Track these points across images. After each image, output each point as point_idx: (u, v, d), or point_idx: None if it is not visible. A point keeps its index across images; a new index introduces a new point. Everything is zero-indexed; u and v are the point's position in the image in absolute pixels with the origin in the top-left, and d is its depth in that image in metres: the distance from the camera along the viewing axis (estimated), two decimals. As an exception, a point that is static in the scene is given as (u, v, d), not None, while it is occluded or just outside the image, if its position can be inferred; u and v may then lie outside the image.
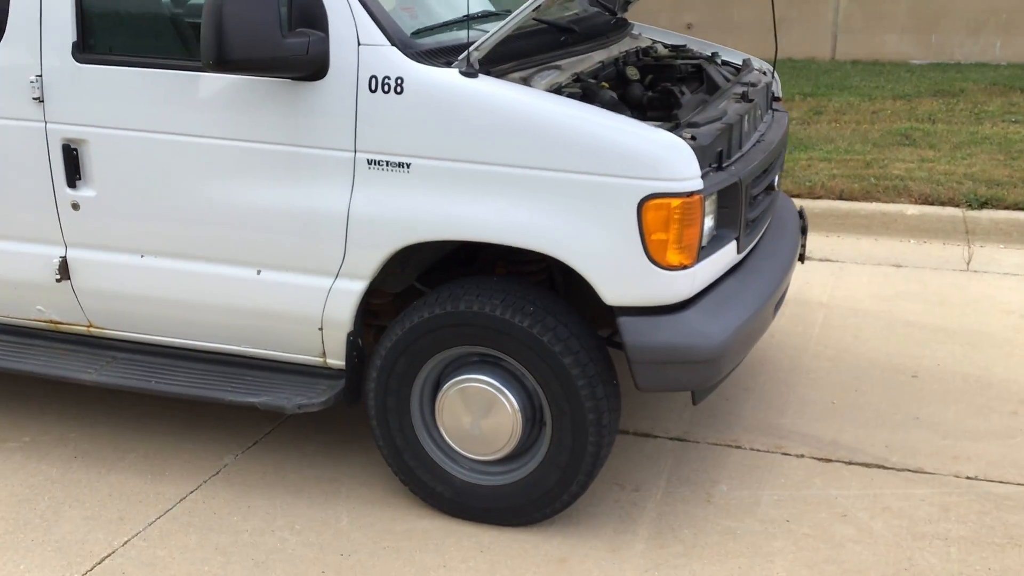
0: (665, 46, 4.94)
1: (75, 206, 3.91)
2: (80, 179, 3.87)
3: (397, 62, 3.43)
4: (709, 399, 4.44)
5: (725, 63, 4.80)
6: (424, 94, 3.41)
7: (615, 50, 4.41)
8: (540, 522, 3.73)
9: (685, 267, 3.37)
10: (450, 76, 3.41)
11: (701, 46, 5.02)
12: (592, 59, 4.14)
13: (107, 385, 4.04)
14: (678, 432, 4.40)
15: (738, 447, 4.28)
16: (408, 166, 3.47)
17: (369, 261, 3.58)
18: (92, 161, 3.84)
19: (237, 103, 3.60)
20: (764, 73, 4.78)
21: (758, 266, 3.94)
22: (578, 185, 3.32)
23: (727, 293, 3.64)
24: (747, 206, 3.72)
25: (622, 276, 3.38)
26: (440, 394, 3.67)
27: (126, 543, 3.70)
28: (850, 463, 4.14)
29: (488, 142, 3.37)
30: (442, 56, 3.48)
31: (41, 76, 3.82)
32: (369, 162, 3.50)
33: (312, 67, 3.44)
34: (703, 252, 3.46)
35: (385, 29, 3.44)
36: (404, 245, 3.54)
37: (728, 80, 4.32)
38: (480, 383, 3.59)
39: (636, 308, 3.42)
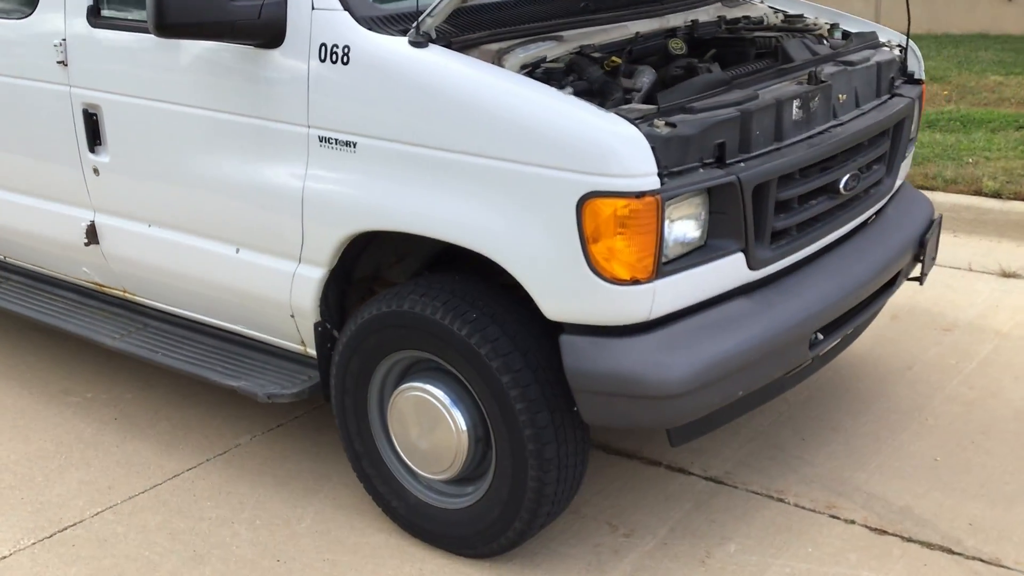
0: (786, 16, 4.19)
1: (96, 171, 3.89)
2: (100, 144, 3.84)
3: (345, 29, 3.09)
4: (781, 435, 3.77)
5: (847, 35, 3.99)
6: (368, 65, 3.05)
7: (679, 18, 3.77)
8: (493, 556, 3.27)
9: (637, 282, 2.78)
10: (396, 46, 3.01)
11: (833, 16, 4.21)
12: (627, 29, 3.54)
13: (123, 351, 4.03)
14: (719, 471, 3.74)
15: (781, 500, 3.56)
16: (354, 145, 3.12)
17: (324, 247, 3.28)
18: (106, 127, 3.79)
19: (208, 71, 3.40)
20: (891, 49, 3.92)
21: (799, 286, 3.22)
22: (516, 176, 2.83)
23: (719, 318, 2.99)
24: (768, 211, 3.03)
25: (562, 287, 2.85)
26: (390, 400, 3.31)
27: (97, 514, 3.66)
28: (909, 540, 3.32)
29: (426, 122, 2.96)
30: (402, 23, 3.09)
31: (65, 40, 3.82)
32: (320, 139, 3.19)
33: (267, 33, 3.17)
34: (671, 266, 2.84)
35: (340, -10, 3.09)
36: (354, 233, 3.20)
37: (815, 56, 3.56)
38: (424, 394, 3.18)
39: (582, 326, 2.88)
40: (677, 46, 3.52)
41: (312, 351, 3.54)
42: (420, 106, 2.95)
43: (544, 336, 2.98)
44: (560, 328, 2.92)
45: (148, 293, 4.07)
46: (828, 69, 3.44)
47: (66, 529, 3.58)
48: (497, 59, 3.07)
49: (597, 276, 2.77)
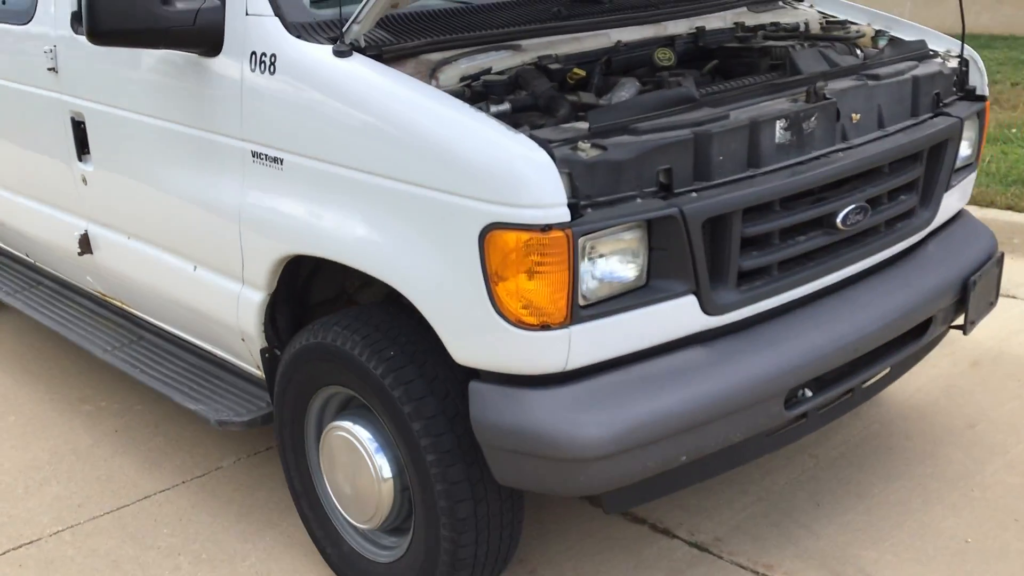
0: (827, 22, 3.71)
1: (84, 180, 3.81)
2: (87, 153, 3.75)
3: (274, 36, 2.86)
4: (796, 498, 3.35)
5: (894, 40, 3.47)
6: (291, 76, 2.81)
7: (683, 25, 3.35)
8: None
9: (548, 327, 2.43)
10: (320, 55, 2.76)
11: (887, 22, 3.70)
12: (608, 38, 3.16)
13: (110, 364, 3.94)
14: (707, 537, 3.31)
15: (765, 576, 3.11)
16: (281, 162, 2.89)
17: (260, 269, 3.06)
18: (90, 136, 3.70)
19: (162, 80, 3.24)
20: (944, 60, 3.39)
21: (778, 335, 2.79)
22: (422, 202, 2.53)
23: (662, 370, 2.60)
24: (730, 248, 2.62)
25: (468, 329, 2.53)
26: (322, 438, 3.05)
27: (56, 533, 3.57)
28: (901, 638, 2.82)
29: (340, 139, 2.71)
30: (335, 31, 2.83)
31: (55, 47, 3.75)
32: (252, 154, 2.97)
33: (204, 40, 2.97)
34: (595, 309, 2.47)
35: (273, -6, 2.87)
36: (286, 255, 2.97)
37: (832, 67, 3.08)
38: (348, 434, 2.92)
39: (494, 374, 2.55)
40: (665, 56, 3.12)
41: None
42: (335, 121, 2.69)
43: (466, 382, 2.65)
44: (477, 374, 2.60)
45: (136, 306, 3.97)
46: (840, 84, 2.97)
47: (20, 547, 3.50)
48: (433, 71, 2.77)
49: (503, 318, 2.44)
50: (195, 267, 3.37)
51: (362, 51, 2.74)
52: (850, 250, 2.97)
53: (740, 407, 2.64)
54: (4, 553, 3.47)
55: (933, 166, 3.20)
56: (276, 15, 2.86)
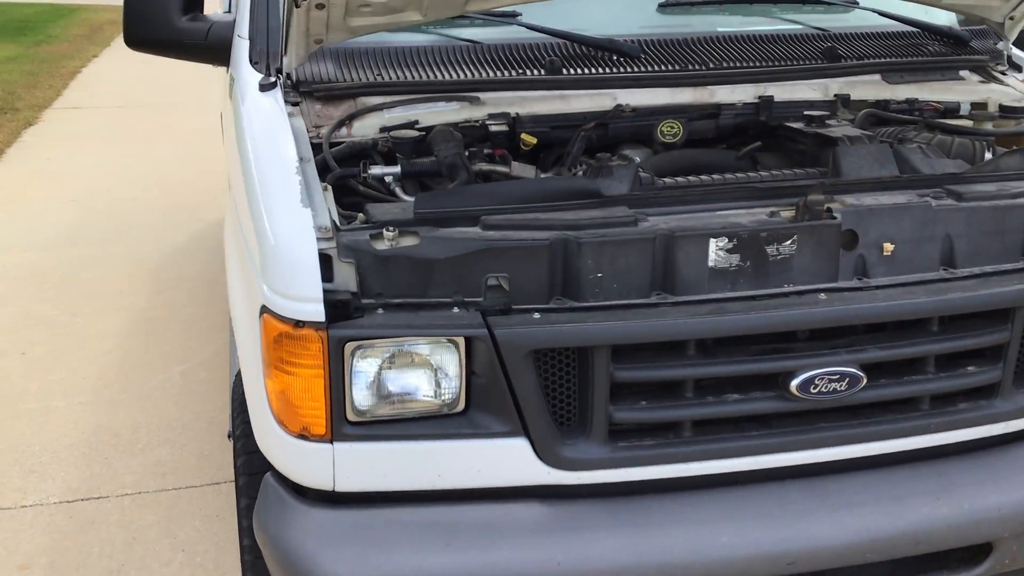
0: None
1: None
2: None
3: (241, 59, 2.76)
4: None
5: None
6: (236, 99, 2.68)
7: (745, 93, 2.64)
8: None
9: (306, 438, 2.07)
10: (252, 83, 2.59)
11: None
12: (612, 99, 2.57)
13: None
14: None
15: None
16: (230, 186, 2.76)
17: None
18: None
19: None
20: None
21: (666, 517, 2.13)
22: (246, 258, 2.28)
23: (460, 522, 2.10)
24: (594, 391, 2.04)
25: (258, 413, 2.23)
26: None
27: (125, 495, 3.72)
28: None
29: (233, 167, 2.52)
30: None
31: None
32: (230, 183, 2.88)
33: (217, 55, 2.94)
34: (373, 430, 2.06)
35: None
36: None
37: (910, 171, 2.27)
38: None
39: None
40: (670, 131, 2.48)
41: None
42: (233, 150, 2.51)
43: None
44: None
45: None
46: (879, 199, 2.17)
47: (89, 500, 3.71)
48: (351, 117, 2.47)
49: (271, 413, 2.11)
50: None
51: (296, 85, 2.51)
52: (835, 425, 2.17)
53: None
54: (72, 502, 3.72)
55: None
56: (248, 39, 2.72)
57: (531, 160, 2.56)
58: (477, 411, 2.06)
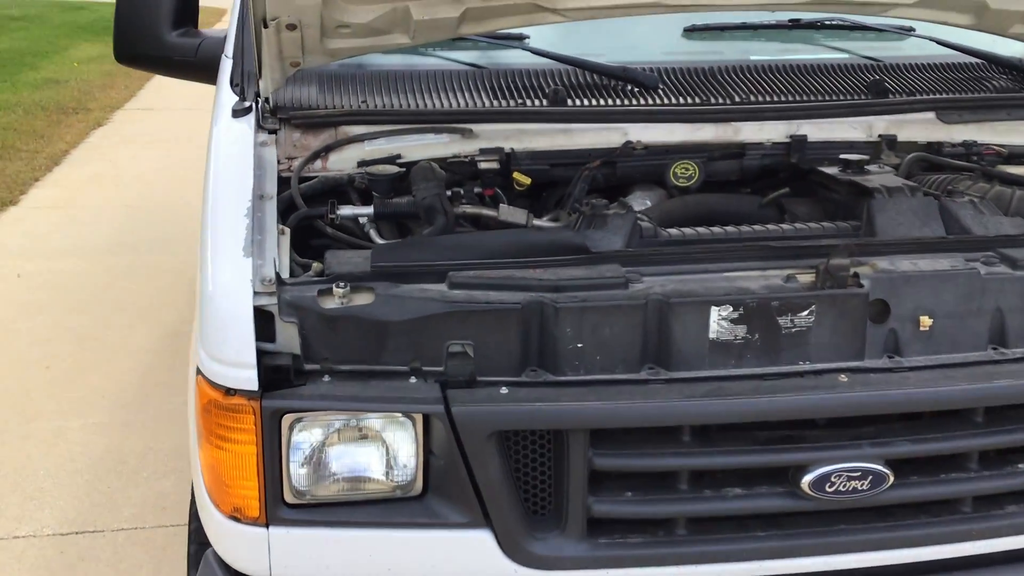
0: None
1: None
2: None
3: (224, 80, 2.51)
4: None
5: None
6: (213, 121, 2.45)
7: (776, 131, 2.32)
8: None
9: (238, 520, 1.82)
10: (227, 106, 2.37)
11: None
12: (623, 134, 2.28)
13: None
14: None
15: None
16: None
17: None
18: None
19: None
20: None
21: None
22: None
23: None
24: (573, 479, 1.77)
25: (196, 488, 2.00)
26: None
27: (120, 530, 3.58)
28: None
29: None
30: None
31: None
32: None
33: (206, 73, 2.73)
34: (316, 513, 1.81)
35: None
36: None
37: (958, 232, 1.95)
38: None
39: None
40: (684, 172, 2.18)
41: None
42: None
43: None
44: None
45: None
46: (917, 265, 1.85)
47: (83, 533, 3.56)
48: (328, 150, 2.22)
49: (204, 491, 1.88)
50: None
51: (274, 111, 2.28)
52: (857, 527, 1.85)
53: None
54: (66, 535, 3.56)
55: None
56: (232, 58, 2.50)
57: (530, 202, 2.29)
58: (436, 496, 1.80)
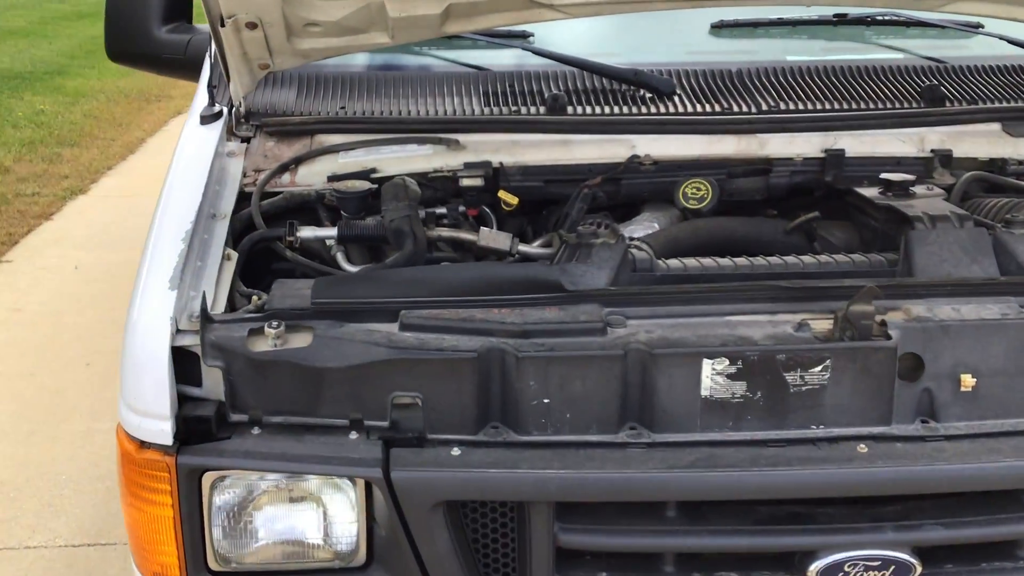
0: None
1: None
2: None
3: (203, 83, 2.31)
4: None
5: None
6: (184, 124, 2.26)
7: (808, 145, 2.02)
8: None
9: (161, 583, 1.61)
10: (198, 111, 2.17)
11: None
12: (631, 147, 1.99)
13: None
14: None
15: None
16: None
17: None
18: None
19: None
20: None
21: None
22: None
23: None
24: (529, 557, 1.52)
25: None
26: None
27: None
28: None
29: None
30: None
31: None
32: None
33: (196, 72, 2.53)
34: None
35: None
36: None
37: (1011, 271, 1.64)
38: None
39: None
40: (695, 192, 1.90)
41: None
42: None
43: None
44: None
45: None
46: (964, 311, 1.56)
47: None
48: (297, 161, 2.00)
49: (131, 550, 1.67)
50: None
51: (246, 117, 2.07)
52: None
53: None
54: (78, 546, 3.40)
55: None
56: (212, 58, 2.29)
57: (525, 222, 2.03)
58: (381, 569, 1.56)
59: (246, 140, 2.08)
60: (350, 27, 1.91)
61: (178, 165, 1.97)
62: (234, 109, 2.09)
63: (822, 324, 1.55)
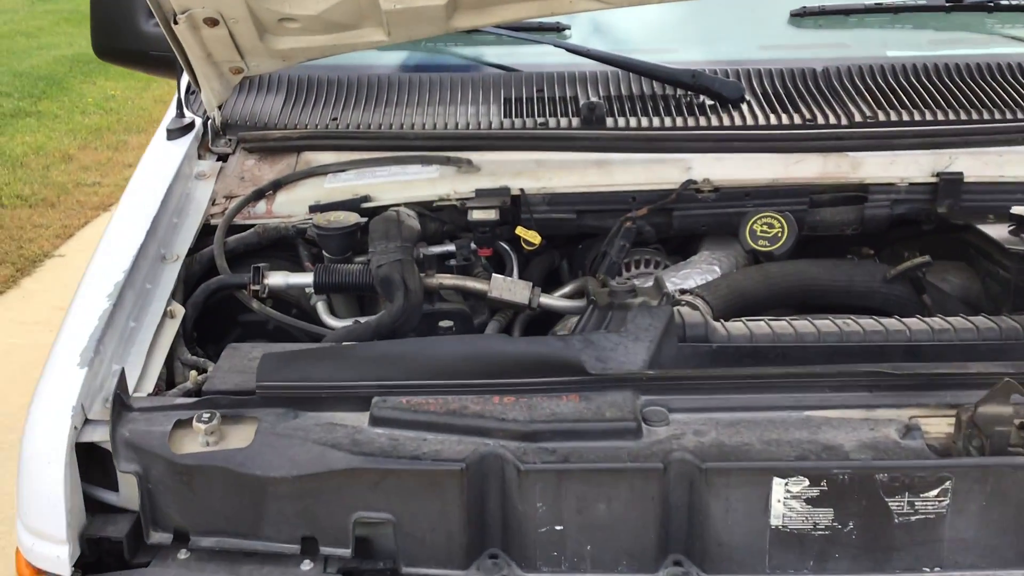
0: None
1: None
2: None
3: (181, 89, 1.96)
4: None
5: None
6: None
7: (929, 161, 1.59)
8: None
9: None
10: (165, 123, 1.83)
11: None
12: (686, 168, 1.59)
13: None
14: None
15: None
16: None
17: None
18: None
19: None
20: None
21: None
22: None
23: None
24: None
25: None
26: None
27: None
28: None
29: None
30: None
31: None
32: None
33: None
34: None
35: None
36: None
37: None
38: None
39: None
40: (767, 232, 1.48)
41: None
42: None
43: None
44: None
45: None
46: None
47: None
48: (276, 187, 1.63)
49: None
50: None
51: (223, 130, 1.72)
52: None
53: None
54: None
55: None
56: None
57: (556, 260, 1.64)
58: None
59: (223, 158, 1.73)
60: (335, 23, 1.54)
61: (131, 192, 1.62)
62: (209, 121, 1.74)
63: (939, 426, 1.14)
